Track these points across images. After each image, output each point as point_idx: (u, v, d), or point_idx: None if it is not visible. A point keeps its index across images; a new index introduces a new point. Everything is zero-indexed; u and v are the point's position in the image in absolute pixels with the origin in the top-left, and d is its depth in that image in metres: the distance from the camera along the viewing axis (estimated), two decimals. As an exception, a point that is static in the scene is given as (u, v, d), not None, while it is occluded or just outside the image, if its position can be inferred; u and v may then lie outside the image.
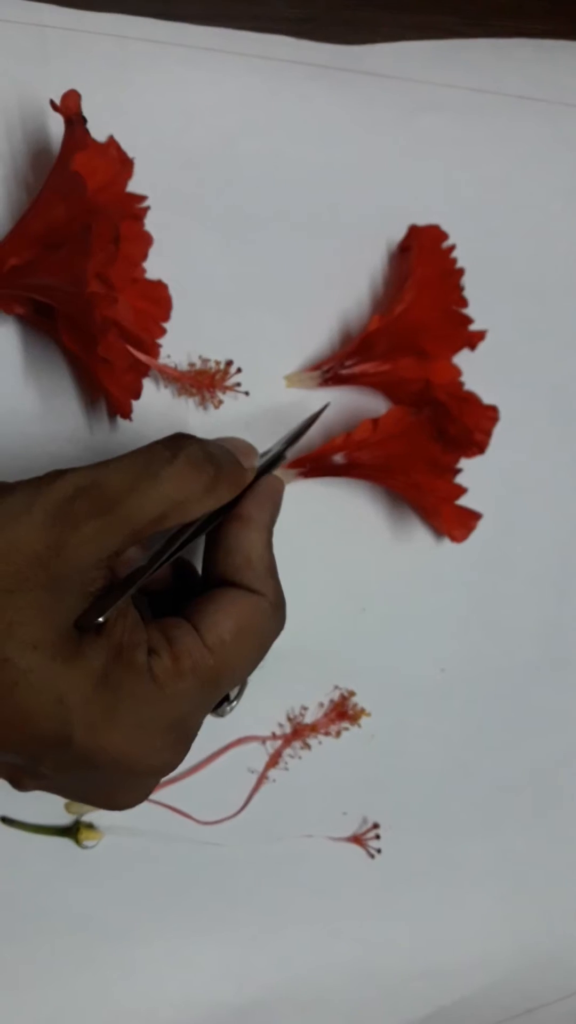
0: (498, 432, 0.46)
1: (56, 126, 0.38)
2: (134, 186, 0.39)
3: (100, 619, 0.28)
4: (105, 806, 0.33)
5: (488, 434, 0.45)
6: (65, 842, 0.42)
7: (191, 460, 0.30)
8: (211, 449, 0.31)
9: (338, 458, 0.44)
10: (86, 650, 0.27)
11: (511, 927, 0.52)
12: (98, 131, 0.36)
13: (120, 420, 0.41)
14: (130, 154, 0.38)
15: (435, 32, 0.47)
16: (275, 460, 0.37)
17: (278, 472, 0.42)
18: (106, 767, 0.28)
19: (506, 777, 0.52)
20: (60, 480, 0.28)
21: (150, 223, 0.40)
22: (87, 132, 0.34)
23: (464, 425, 0.44)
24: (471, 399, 0.45)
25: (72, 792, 0.32)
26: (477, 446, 0.45)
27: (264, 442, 0.44)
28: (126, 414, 0.39)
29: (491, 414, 0.45)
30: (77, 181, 0.33)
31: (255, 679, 0.44)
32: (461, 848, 0.51)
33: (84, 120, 0.34)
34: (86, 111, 0.36)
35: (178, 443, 0.30)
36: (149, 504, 0.28)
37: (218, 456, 0.31)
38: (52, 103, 0.34)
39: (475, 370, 0.46)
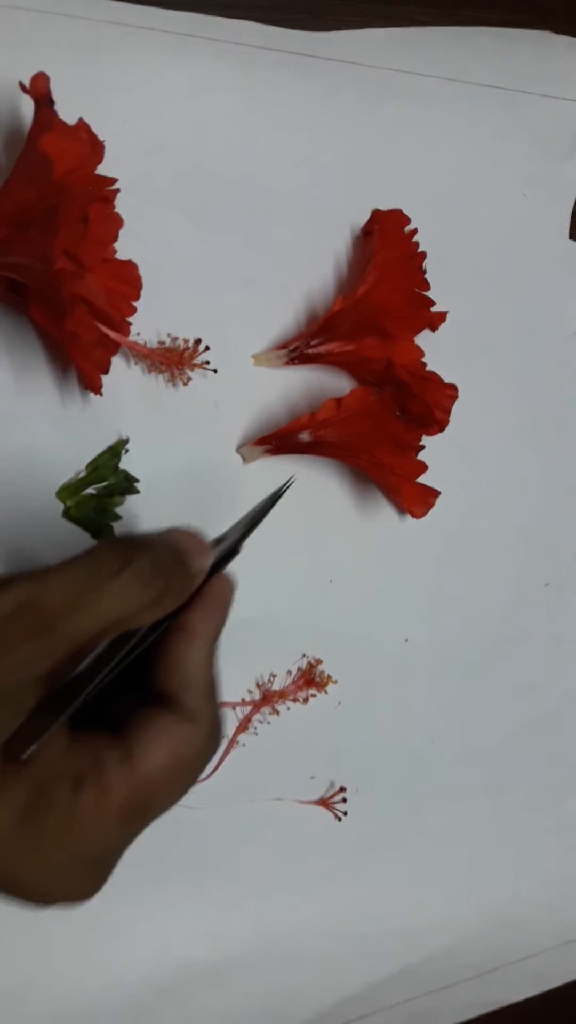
0: (459, 412, 0.47)
1: (29, 109, 0.40)
2: (104, 169, 0.40)
3: (27, 752, 0.27)
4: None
5: (448, 412, 0.47)
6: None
7: (139, 574, 0.28)
8: (160, 557, 0.29)
9: (304, 436, 0.45)
10: (9, 783, 0.26)
11: (476, 890, 0.54)
12: (69, 114, 0.37)
13: (92, 395, 0.42)
14: (100, 137, 0.39)
15: (400, 20, 0.48)
16: (229, 554, 0.35)
17: (246, 448, 0.43)
18: (19, 896, 0.28)
19: (470, 746, 0.54)
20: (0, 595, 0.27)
21: (120, 205, 0.41)
22: (55, 114, 0.35)
23: (425, 403, 0.46)
24: (432, 378, 0.47)
25: None
26: (438, 423, 0.47)
27: (231, 425, 0.46)
28: (96, 389, 0.41)
29: (450, 392, 0.46)
30: (45, 162, 0.34)
31: (223, 648, 0.46)
32: (427, 813, 0.53)
33: (52, 102, 0.35)
34: (57, 94, 0.37)
35: (127, 554, 0.28)
36: (90, 621, 0.27)
37: (167, 566, 0.30)
38: (21, 85, 0.36)
39: (436, 351, 0.47)
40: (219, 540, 0.35)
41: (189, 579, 0.31)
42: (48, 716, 0.28)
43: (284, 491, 0.38)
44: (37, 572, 0.27)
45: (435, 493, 0.48)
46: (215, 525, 0.45)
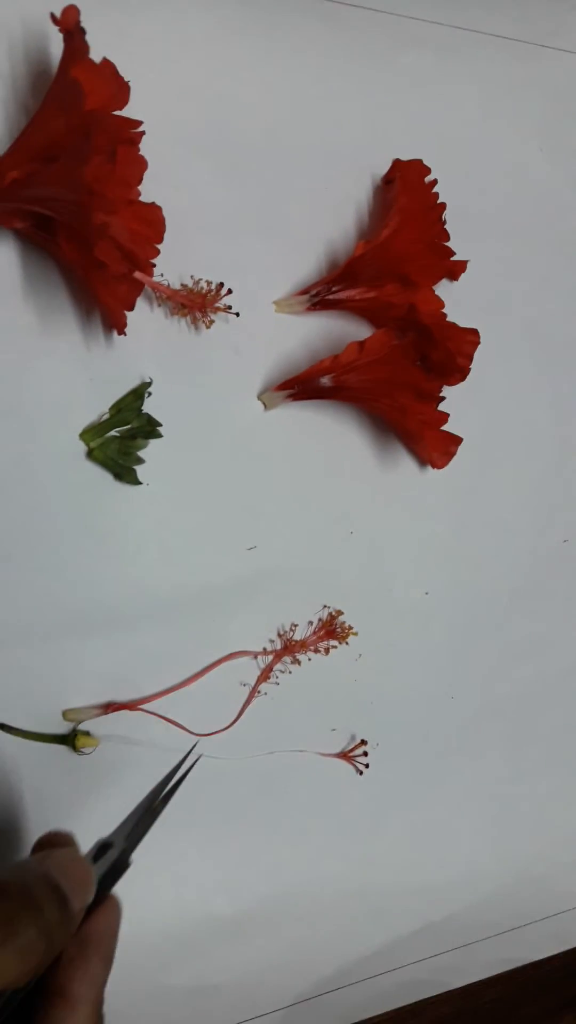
0: (478, 364, 0.47)
1: (57, 50, 0.40)
2: (128, 112, 0.40)
3: None
4: None
5: (470, 358, 0.47)
6: (61, 749, 0.44)
7: (22, 948, 0.25)
8: (47, 917, 0.26)
9: (325, 381, 0.45)
10: None
11: (498, 848, 0.54)
12: (94, 57, 0.38)
13: (115, 337, 0.42)
14: (125, 79, 0.39)
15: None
16: (115, 870, 0.31)
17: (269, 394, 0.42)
18: None
19: (490, 701, 0.53)
20: None
21: (145, 148, 0.41)
22: (86, 43, 0.36)
23: (447, 349, 0.46)
24: (453, 325, 0.47)
25: None
26: (459, 371, 0.47)
27: (252, 371, 0.46)
28: (120, 328, 0.41)
29: (472, 338, 0.46)
30: (76, 91, 0.34)
31: (245, 598, 0.46)
32: (447, 769, 0.53)
33: (83, 31, 0.35)
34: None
35: (11, 924, 0.25)
36: None
37: (52, 925, 0.26)
38: (52, 16, 0.36)
39: (455, 303, 0.47)
40: (104, 846, 0.32)
41: (71, 927, 0.28)
42: None
43: (176, 775, 0.35)
44: None
45: (457, 440, 0.48)
46: (235, 473, 0.46)
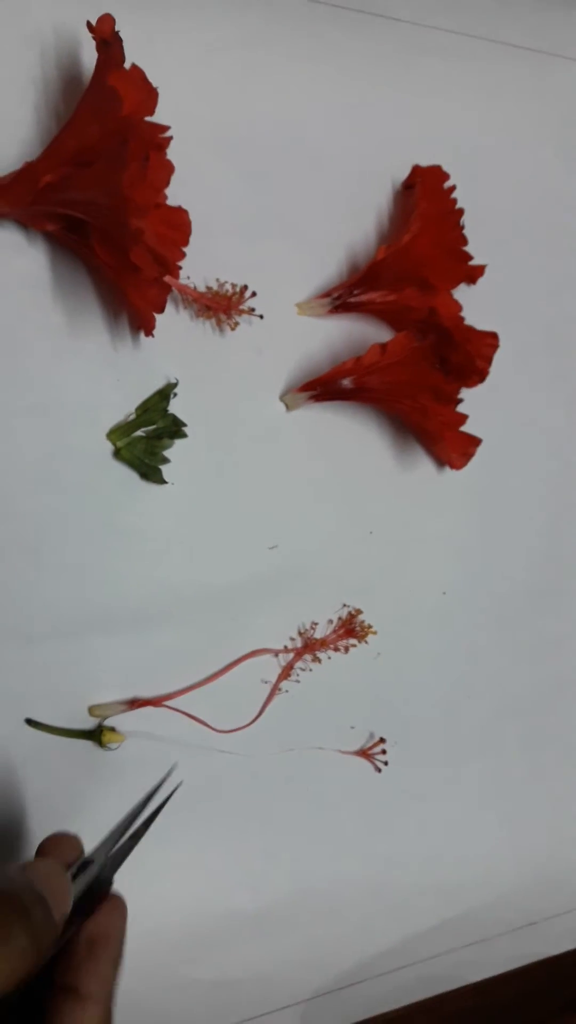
0: (496, 367, 0.48)
1: (88, 57, 0.41)
2: (155, 117, 0.41)
3: None
4: None
5: (489, 360, 0.47)
6: (87, 745, 0.44)
7: (12, 955, 0.25)
8: (36, 925, 0.26)
9: (347, 382, 0.46)
10: None
11: (515, 846, 0.54)
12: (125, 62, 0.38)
13: (142, 339, 0.43)
14: (154, 84, 0.40)
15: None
16: (96, 889, 0.32)
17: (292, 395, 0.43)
18: None
19: (508, 700, 0.54)
20: None
21: (171, 152, 0.42)
22: (122, 52, 0.36)
23: (466, 352, 0.47)
24: (472, 329, 0.48)
25: None
26: (478, 373, 0.48)
27: (275, 373, 0.46)
28: (149, 330, 0.41)
29: (491, 341, 0.47)
30: (113, 97, 0.35)
31: (266, 597, 0.47)
32: (465, 767, 0.53)
33: (120, 40, 0.36)
34: (113, 41, 0.38)
35: (4, 929, 0.26)
36: None
37: (41, 930, 0.27)
38: (88, 24, 0.37)
39: (473, 307, 0.48)
40: (84, 864, 0.32)
41: (55, 935, 0.28)
42: None
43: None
44: None
45: (476, 441, 0.48)
46: (257, 474, 0.46)
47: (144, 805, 0.36)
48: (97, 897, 0.32)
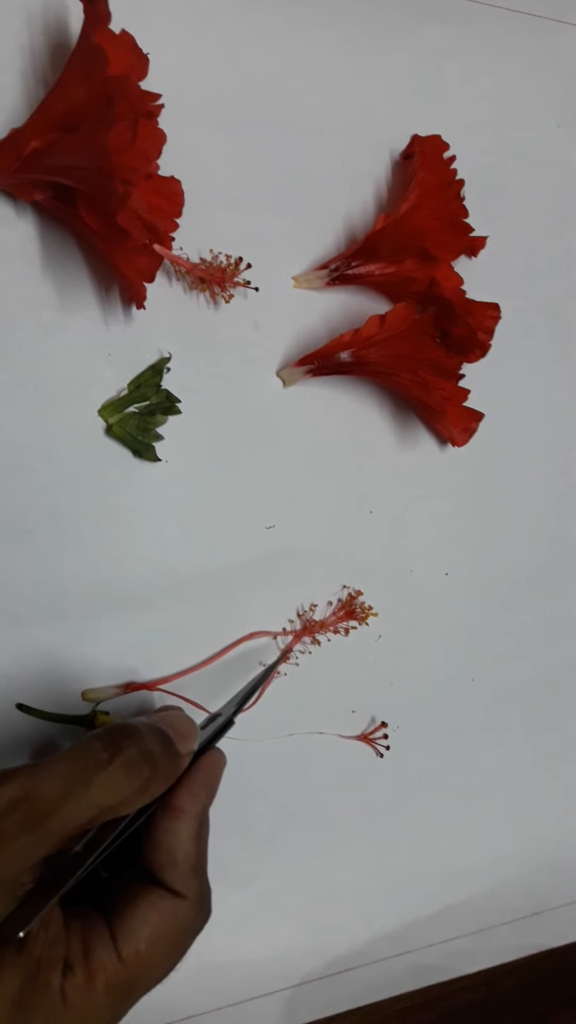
0: (498, 342, 0.47)
1: (76, 22, 0.40)
2: (147, 85, 0.40)
3: (22, 934, 0.28)
4: None
5: (490, 333, 0.46)
6: (80, 731, 0.43)
7: (127, 764, 0.30)
8: (149, 745, 0.31)
9: (345, 356, 0.45)
10: (4, 972, 0.28)
11: (519, 833, 0.53)
12: (114, 29, 0.37)
13: (134, 313, 0.42)
14: (145, 51, 0.39)
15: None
16: (222, 729, 0.37)
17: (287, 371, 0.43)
18: None
19: (512, 683, 0.53)
20: None
21: (164, 122, 0.41)
22: (108, 10, 0.35)
23: (467, 324, 0.45)
24: (473, 301, 0.46)
25: None
26: (480, 346, 0.46)
27: (272, 347, 0.45)
28: (140, 302, 0.40)
29: (493, 313, 0.46)
30: (98, 55, 0.34)
31: (263, 578, 0.46)
32: (468, 751, 0.52)
33: (105, -3, 0.35)
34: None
35: (115, 743, 0.30)
36: (81, 812, 0.28)
37: (155, 753, 0.31)
38: (73, -19, 0.36)
39: (474, 280, 0.47)
40: (214, 717, 0.37)
41: (176, 763, 0.33)
42: (40, 899, 0.29)
43: (278, 664, 0.43)
44: (31, 766, 0.29)
45: (478, 416, 0.47)
46: (254, 451, 0.45)
47: (268, 672, 0.42)
48: (222, 734, 0.37)
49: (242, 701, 0.39)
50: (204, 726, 0.37)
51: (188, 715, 0.34)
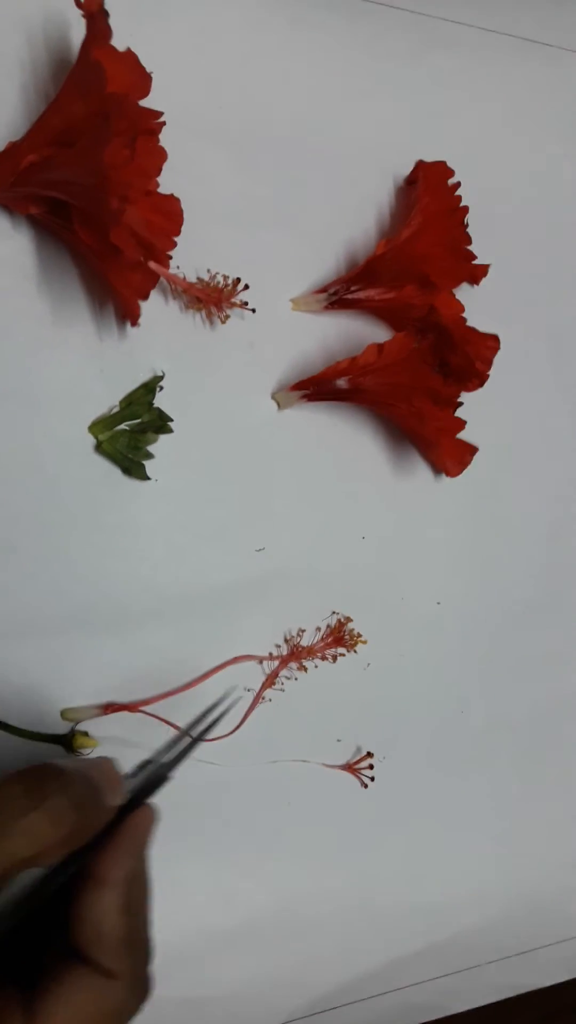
0: (496, 371, 0.46)
1: (78, 38, 0.40)
2: (149, 102, 0.40)
3: None
4: None
5: (488, 363, 0.46)
6: (58, 749, 0.42)
7: (51, 812, 0.27)
8: (76, 791, 0.28)
9: (341, 382, 0.45)
10: None
11: (506, 869, 0.52)
12: (117, 46, 0.37)
13: (128, 329, 0.42)
14: (148, 69, 0.39)
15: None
16: (155, 784, 0.33)
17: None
18: None
19: (502, 716, 0.52)
20: None
21: (165, 140, 0.41)
22: (108, 27, 0.35)
23: (466, 354, 0.45)
24: (473, 330, 0.46)
25: None
26: (478, 376, 0.46)
27: (267, 370, 0.45)
28: (134, 318, 0.40)
29: (492, 344, 0.46)
30: (97, 73, 0.34)
31: (252, 601, 0.45)
32: (455, 785, 0.51)
33: (106, 14, 0.35)
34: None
35: (40, 787, 0.27)
36: None
37: (82, 800, 0.29)
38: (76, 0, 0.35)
39: (475, 308, 0.46)
40: (144, 764, 0.34)
41: (101, 810, 0.30)
42: None
43: (221, 707, 0.38)
44: None
45: (472, 450, 0.47)
46: (246, 473, 0.45)
47: (206, 714, 0.37)
48: (155, 790, 0.33)
49: (180, 752, 0.35)
50: (133, 774, 0.34)
51: (116, 766, 0.32)
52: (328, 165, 0.45)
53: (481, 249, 0.47)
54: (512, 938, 0.52)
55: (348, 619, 0.47)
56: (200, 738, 0.36)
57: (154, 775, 0.33)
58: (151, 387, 0.42)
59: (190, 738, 0.36)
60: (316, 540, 0.47)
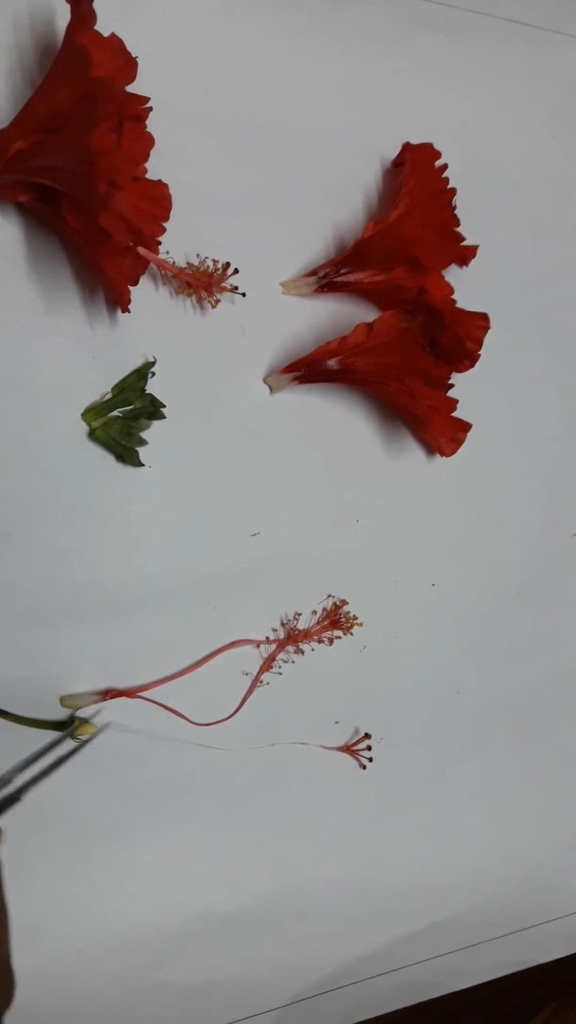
0: (486, 353, 0.46)
1: (63, 24, 0.39)
2: (136, 88, 0.40)
3: None
4: None
5: (479, 343, 0.46)
6: (58, 735, 0.42)
7: None
8: None
9: (332, 363, 0.45)
10: None
11: (502, 849, 0.53)
12: (103, 31, 0.37)
13: (119, 316, 0.42)
14: (134, 55, 0.39)
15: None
16: (4, 804, 0.33)
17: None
18: None
19: (497, 698, 0.52)
20: None
21: (152, 126, 0.41)
22: (93, 12, 0.35)
23: (456, 334, 0.45)
24: (463, 310, 0.46)
25: None
26: (469, 356, 0.46)
27: (258, 354, 0.45)
28: (124, 305, 0.40)
29: (482, 323, 0.46)
30: (82, 57, 0.34)
31: (247, 585, 0.45)
32: (452, 766, 0.51)
33: (90, -1, 0.35)
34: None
35: None
36: None
37: None
38: (59, -17, 0.35)
39: (464, 290, 0.47)
40: None
41: None
42: None
43: (72, 735, 0.38)
44: None
45: (466, 427, 0.47)
46: (239, 458, 0.45)
47: (62, 739, 0.38)
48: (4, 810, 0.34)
49: (35, 773, 0.35)
50: None
51: None
52: (315, 148, 0.45)
53: (469, 231, 0.47)
54: (510, 916, 0.52)
55: (344, 602, 0.48)
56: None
57: (7, 796, 0.33)
58: (143, 373, 0.42)
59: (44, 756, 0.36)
60: (311, 523, 0.47)
